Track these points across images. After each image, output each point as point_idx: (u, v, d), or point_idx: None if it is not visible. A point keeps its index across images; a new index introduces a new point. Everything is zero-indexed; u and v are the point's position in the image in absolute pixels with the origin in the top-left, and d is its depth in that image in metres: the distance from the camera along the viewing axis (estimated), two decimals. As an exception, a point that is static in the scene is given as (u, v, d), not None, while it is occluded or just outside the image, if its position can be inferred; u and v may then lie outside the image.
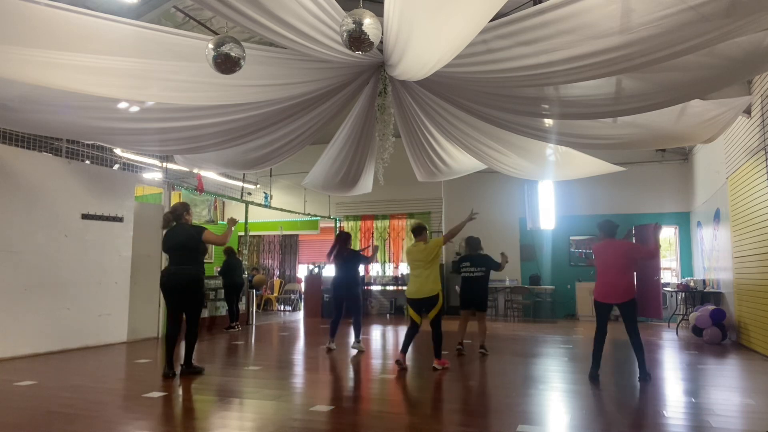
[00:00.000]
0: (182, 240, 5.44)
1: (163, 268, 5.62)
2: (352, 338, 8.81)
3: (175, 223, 5.58)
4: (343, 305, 7.35)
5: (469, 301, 6.92)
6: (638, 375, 5.36)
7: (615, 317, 11.89)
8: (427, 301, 5.91)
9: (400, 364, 5.93)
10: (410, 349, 6.11)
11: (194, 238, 5.43)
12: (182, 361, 5.55)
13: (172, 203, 9.40)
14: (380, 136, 6.03)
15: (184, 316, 5.53)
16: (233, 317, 9.86)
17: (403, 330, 9.99)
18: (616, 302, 5.32)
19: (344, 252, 7.33)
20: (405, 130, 7.29)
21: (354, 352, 7.17)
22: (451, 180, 10.23)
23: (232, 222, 5.87)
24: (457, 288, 7.40)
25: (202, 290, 5.56)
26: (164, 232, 5.66)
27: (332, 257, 7.34)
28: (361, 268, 7.97)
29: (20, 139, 6.93)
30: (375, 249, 8.18)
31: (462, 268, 7.04)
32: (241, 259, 10.93)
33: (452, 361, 6.43)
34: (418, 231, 6.18)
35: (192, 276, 5.40)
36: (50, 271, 7.00)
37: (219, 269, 11.13)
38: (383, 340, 8.92)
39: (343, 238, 7.49)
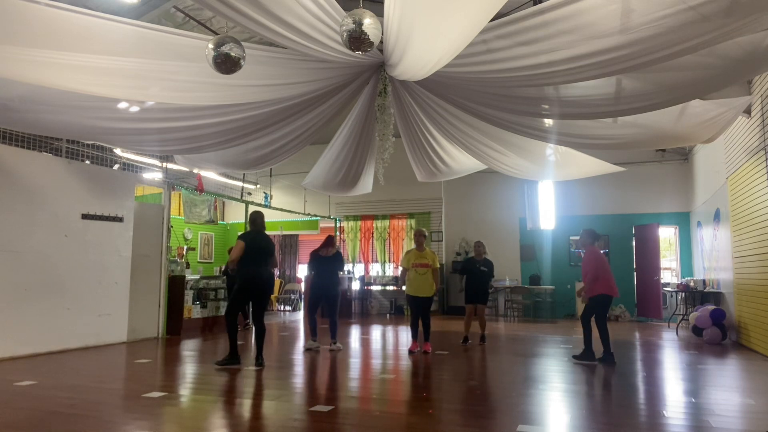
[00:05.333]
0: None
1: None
2: (350, 338, 8.84)
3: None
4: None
5: (474, 294, 7.89)
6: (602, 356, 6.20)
7: (615, 317, 11.92)
8: (427, 300, 7.01)
9: (415, 352, 6.94)
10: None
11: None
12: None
13: (172, 203, 9.43)
14: (380, 136, 6.03)
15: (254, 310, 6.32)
16: (245, 315, 10.12)
17: (403, 330, 10.01)
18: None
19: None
20: (405, 130, 7.29)
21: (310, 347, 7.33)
22: (451, 180, 10.23)
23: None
24: (462, 283, 8.12)
25: (234, 289, 6.13)
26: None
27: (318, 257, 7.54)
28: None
29: (20, 139, 6.93)
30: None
31: (474, 266, 8.03)
32: None
33: (455, 359, 6.49)
34: (425, 237, 7.26)
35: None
36: (50, 271, 7.00)
37: (222, 269, 11.07)
38: (383, 340, 8.92)
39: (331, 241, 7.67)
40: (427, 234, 7.34)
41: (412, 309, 7.26)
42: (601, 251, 6.59)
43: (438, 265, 7.16)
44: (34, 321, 6.74)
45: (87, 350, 7.16)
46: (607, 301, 6.33)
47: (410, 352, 7.01)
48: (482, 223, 13.10)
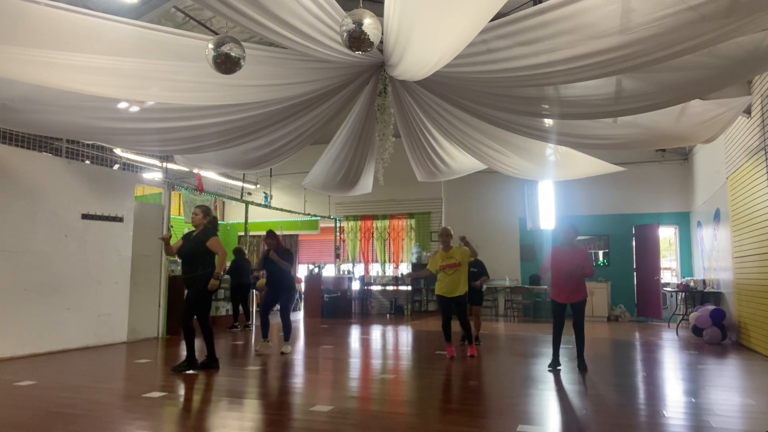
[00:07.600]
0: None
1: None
2: (350, 338, 8.83)
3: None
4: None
5: (470, 294, 7.66)
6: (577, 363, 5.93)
7: (615, 317, 11.92)
8: (461, 300, 6.68)
9: (453, 353, 6.72)
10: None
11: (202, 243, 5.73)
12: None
13: (172, 203, 9.43)
14: (380, 136, 6.03)
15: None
16: (248, 316, 10.21)
17: (403, 330, 10.00)
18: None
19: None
20: (405, 130, 7.29)
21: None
22: (451, 180, 10.24)
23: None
24: None
25: (202, 291, 5.69)
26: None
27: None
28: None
29: (20, 139, 6.93)
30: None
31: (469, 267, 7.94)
32: (249, 260, 10.99)
33: (454, 359, 6.51)
34: (451, 237, 6.87)
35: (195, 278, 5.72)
36: (50, 271, 6.99)
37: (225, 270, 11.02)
38: (383, 340, 8.91)
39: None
40: (452, 232, 6.87)
41: (443, 311, 6.86)
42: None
43: (470, 257, 6.79)
44: (34, 321, 6.74)
45: (87, 350, 7.15)
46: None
47: (450, 358, 6.62)
48: (482, 223, 13.10)
